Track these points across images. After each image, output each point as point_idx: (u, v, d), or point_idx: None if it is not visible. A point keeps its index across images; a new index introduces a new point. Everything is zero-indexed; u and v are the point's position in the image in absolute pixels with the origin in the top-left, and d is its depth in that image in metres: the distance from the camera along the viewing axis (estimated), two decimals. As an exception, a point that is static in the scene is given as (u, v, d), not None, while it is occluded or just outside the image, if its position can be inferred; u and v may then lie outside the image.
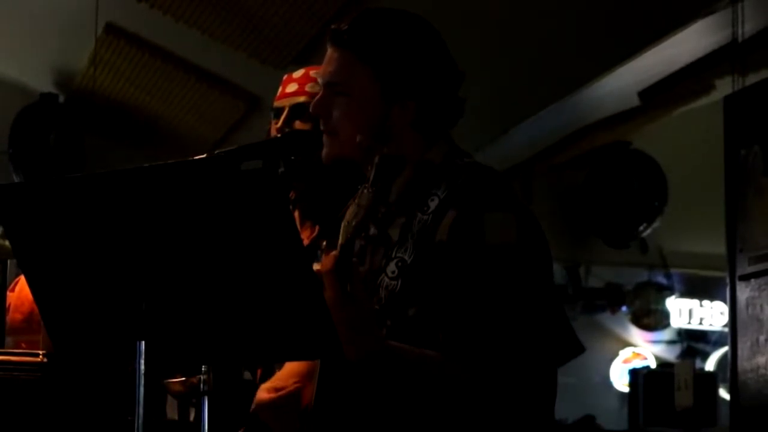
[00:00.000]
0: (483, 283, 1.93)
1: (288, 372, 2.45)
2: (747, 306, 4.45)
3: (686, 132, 7.50)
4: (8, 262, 3.25)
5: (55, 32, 6.53)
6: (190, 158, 1.91)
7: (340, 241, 1.89)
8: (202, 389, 2.09)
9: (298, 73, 2.84)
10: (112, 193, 1.82)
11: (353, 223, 1.89)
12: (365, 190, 1.91)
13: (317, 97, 2.12)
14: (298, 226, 2.53)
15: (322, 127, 2.12)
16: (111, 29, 6.33)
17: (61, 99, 7.33)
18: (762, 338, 4.36)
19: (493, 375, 1.92)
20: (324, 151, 2.12)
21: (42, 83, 7.24)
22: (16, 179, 7.11)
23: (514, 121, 6.75)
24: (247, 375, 2.99)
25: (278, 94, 2.84)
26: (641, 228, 8.45)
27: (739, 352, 4.46)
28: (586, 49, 5.65)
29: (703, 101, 6.40)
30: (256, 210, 1.77)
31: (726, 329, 5.48)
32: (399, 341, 1.94)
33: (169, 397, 3.34)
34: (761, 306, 4.38)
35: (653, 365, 9.38)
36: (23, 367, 2.99)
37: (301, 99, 2.76)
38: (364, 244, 2.08)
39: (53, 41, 6.66)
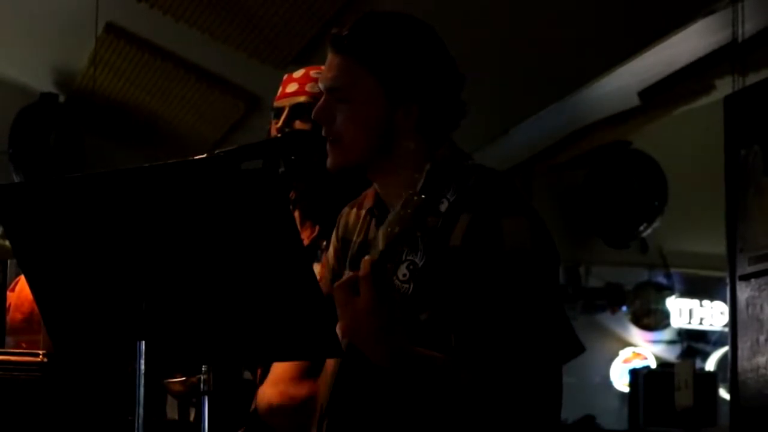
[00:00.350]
0: (500, 289, 1.94)
1: (290, 372, 2.42)
2: (747, 306, 4.45)
3: (686, 132, 7.50)
4: (8, 262, 3.25)
5: (55, 32, 6.53)
6: (190, 158, 1.90)
7: (380, 246, 1.87)
8: (202, 389, 2.08)
9: (299, 73, 2.84)
10: (112, 193, 1.82)
11: (395, 230, 1.87)
12: (413, 197, 1.88)
13: (319, 103, 2.11)
14: (298, 226, 2.53)
15: (324, 134, 2.11)
16: (111, 29, 6.33)
17: (61, 99, 7.33)
18: (762, 338, 4.36)
19: (509, 380, 1.93)
20: (329, 161, 2.11)
21: (42, 83, 7.24)
22: (16, 179, 7.11)
23: (514, 121, 6.75)
24: (247, 375, 2.99)
25: (278, 93, 2.84)
26: (641, 228, 8.45)
27: (739, 352, 4.46)
28: (586, 49, 5.65)
29: (703, 101, 6.40)
30: (256, 210, 1.77)
31: (726, 329, 5.48)
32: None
33: (169, 397, 3.34)
34: (761, 306, 4.38)
35: (653, 365, 9.38)
36: (23, 366, 2.99)
37: (302, 99, 2.75)
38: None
39: (53, 41, 6.66)
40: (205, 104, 6.90)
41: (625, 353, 9.61)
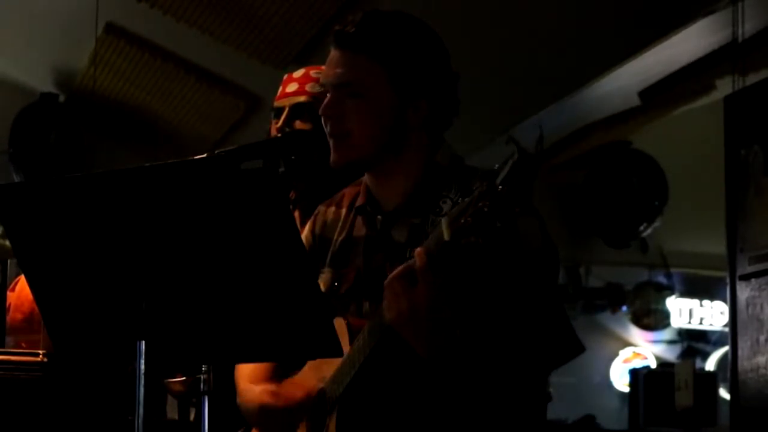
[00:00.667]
0: (510, 285, 1.96)
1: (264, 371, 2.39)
2: (747, 306, 4.45)
3: (686, 132, 7.50)
4: (8, 261, 3.25)
5: (56, 32, 6.52)
6: (190, 158, 1.91)
7: (444, 237, 1.84)
8: (202, 389, 2.09)
9: (299, 73, 2.84)
10: (113, 193, 1.82)
11: (467, 221, 1.79)
12: (498, 187, 1.78)
13: (327, 99, 2.10)
14: (299, 226, 2.54)
15: (329, 130, 2.10)
16: (111, 29, 6.33)
17: (62, 99, 7.33)
18: (762, 338, 4.36)
19: (503, 375, 1.93)
20: (334, 157, 2.11)
21: (42, 83, 7.23)
22: (16, 179, 7.10)
23: (514, 121, 6.75)
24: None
25: (278, 93, 2.84)
26: (641, 228, 8.45)
27: (740, 352, 4.46)
28: (586, 49, 5.65)
29: (704, 101, 6.40)
30: (256, 210, 1.77)
31: (726, 329, 5.48)
32: (397, 340, 1.94)
33: (170, 397, 3.35)
34: (761, 306, 4.38)
35: (653, 365, 9.38)
36: (24, 366, 3.00)
37: (302, 99, 2.75)
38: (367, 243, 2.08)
39: (53, 41, 6.65)
40: (206, 104, 6.89)
41: (625, 353, 9.62)
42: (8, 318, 3.25)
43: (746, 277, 4.46)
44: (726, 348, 6.58)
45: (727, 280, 4.58)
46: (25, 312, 3.24)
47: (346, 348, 2.01)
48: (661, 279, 9.46)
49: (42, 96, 7.28)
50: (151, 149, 7.27)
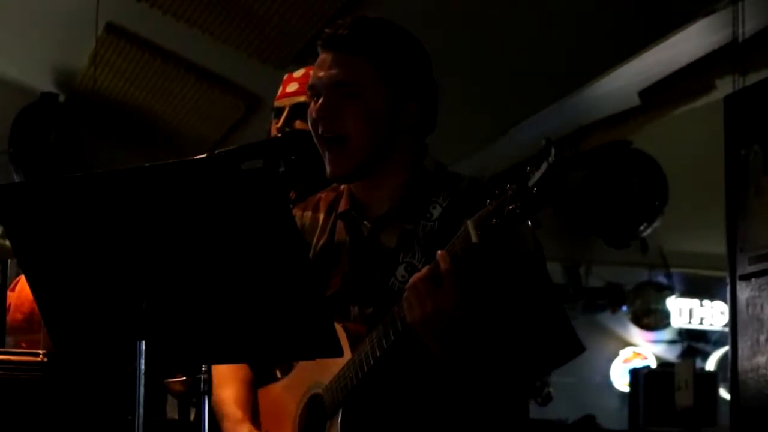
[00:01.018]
0: (505, 287, 1.97)
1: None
2: (747, 306, 4.44)
3: (686, 132, 7.49)
4: (8, 261, 3.25)
5: (56, 32, 6.52)
6: (191, 158, 1.91)
7: (473, 239, 1.83)
8: (202, 389, 2.08)
9: (299, 73, 2.84)
10: (113, 193, 1.82)
11: (494, 222, 1.79)
12: (532, 189, 1.77)
13: (321, 100, 2.10)
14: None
15: (323, 131, 2.10)
16: (111, 29, 6.33)
17: (62, 99, 7.33)
18: (762, 338, 4.36)
19: (502, 376, 1.94)
20: (333, 168, 2.10)
21: (42, 83, 7.23)
22: (16, 179, 7.10)
23: (514, 121, 6.75)
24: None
25: (279, 93, 2.84)
26: (641, 228, 8.44)
27: (740, 352, 4.46)
28: (586, 49, 5.65)
29: (704, 101, 6.39)
30: (256, 210, 1.77)
31: (726, 329, 5.48)
32: (409, 342, 1.95)
33: (170, 397, 3.34)
34: (761, 306, 4.38)
35: (653, 365, 9.39)
36: (24, 366, 3.00)
37: (302, 99, 2.75)
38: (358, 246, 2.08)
39: (53, 41, 6.65)
40: (206, 104, 6.89)
41: (625, 353, 9.62)
42: (8, 318, 3.24)
43: (746, 277, 4.45)
44: (726, 348, 6.58)
45: (727, 280, 4.58)
46: (25, 312, 3.24)
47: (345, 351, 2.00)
48: (662, 279, 9.47)
49: (42, 96, 7.28)
50: (151, 149, 7.27)
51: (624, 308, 9.50)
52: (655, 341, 9.74)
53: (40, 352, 3.02)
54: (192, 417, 3.31)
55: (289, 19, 5.72)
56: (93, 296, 1.90)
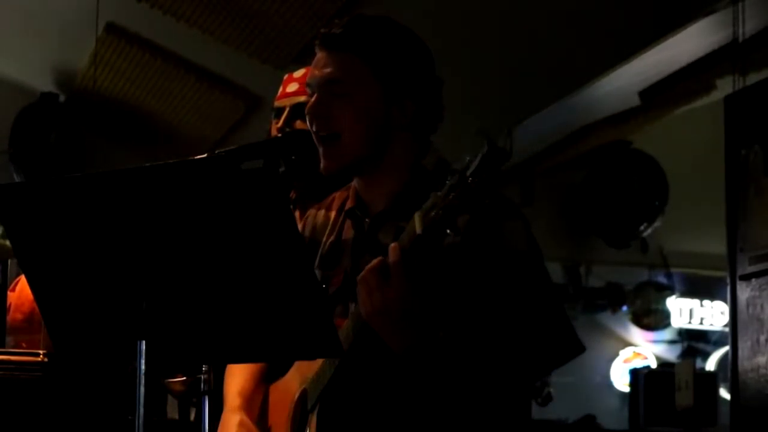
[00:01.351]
0: (498, 286, 1.96)
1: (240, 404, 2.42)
2: (747, 306, 4.44)
3: (687, 131, 7.49)
4: (9, 261, 3.26)
5: (56, 32, 6.52)
6: (191, 158, 1.91)
7: (417, 230, 1.84)
8: (202, 389, 2.09)
9: (299, 73, 2.84)
10: (113, 193, 1.82)
11: (438, 213, 1.81)
12: (468, 179, 1.79)
13: (315, 98, 2.12)
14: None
15: (316, 129, 2.11)
16: (111, 29, 6.33)
17: (62, 99, 7.33)
18: (762, 338, 4.36)
19: (499, 375, 1.93)
20: (325, 164, 2.11)
21: (42, 83, 7.23)
22: (16, 179, 7.11)
23: (514, 121, 6.75)
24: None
25: (279, 93, 2.84)
26: (642, 228, 8.45)
27: (740, 352, 4.46)
28: (586, 49, 5.65)
29: (704, 101, 6.39)
30: (256, 209, 1.77)
31: (726, 329, 5.48)
32: (372, 336, 1.94)
33: (170, 397, 3.35)
34: (762, 306, 4.38)
35: (654, 365, 9.38)
36: (24, 366, 3.00)
37: (302, 99, 2.75)
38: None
39: (54, 41, 6.65)
40: (206, 104, 6.89)
41: (625, 353, 9.61)
42: (8, 318, 3.25)
43: (746, 277, 4.45)
44: (726, 348, 6.58)
45: (728, 280, 4.58)
46: (25, 312, 3.24)
47: None
48: (662, 279, 9.46)
49: (42, 96, 7.28)
50: (151, 149, 7.27)
51: (624, 308, 9.48)
52: (655, 341, 9.73)
53: (40, 352, 3.02)
54: (192, 417, 3.31)
55: (289, 19, 5.72)
56: (93, 296, 1.90)
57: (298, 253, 1.79)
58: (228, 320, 1.86)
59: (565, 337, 2.01)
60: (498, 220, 1.99)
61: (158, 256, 1.83)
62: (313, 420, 2.10)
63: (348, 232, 2.19)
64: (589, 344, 3.78)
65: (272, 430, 2.30)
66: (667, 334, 9.72)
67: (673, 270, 9.37)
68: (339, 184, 2.36)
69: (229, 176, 1.79)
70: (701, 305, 9.63)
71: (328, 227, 2.24)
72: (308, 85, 2.15)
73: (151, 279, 1.85)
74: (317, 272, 2.19)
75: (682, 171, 8.19)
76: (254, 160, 2.15)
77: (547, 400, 7.99)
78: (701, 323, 9.64)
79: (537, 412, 7.77)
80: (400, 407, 2.00)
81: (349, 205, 2.20)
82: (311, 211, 2.31)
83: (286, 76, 2.87)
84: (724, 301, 6.38)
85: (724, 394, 7.58)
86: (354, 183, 2.21)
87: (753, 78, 4.94)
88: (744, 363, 4.43)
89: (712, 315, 9.64)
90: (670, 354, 9.67)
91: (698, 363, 8.97)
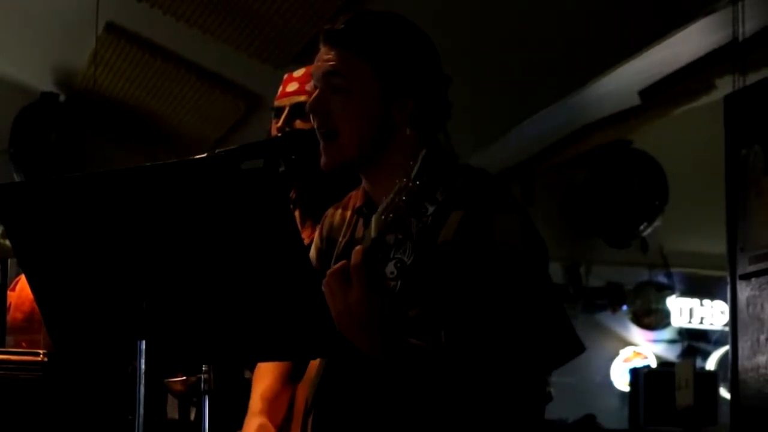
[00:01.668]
0: (491, 284, 1.94)
1: (266, 397, 2.43)
2: (747, 305, 4.45)
3: (687, 131, 7.50)
4: (9, 261, 3.26)
5: (56, 32, 6.53)
6: (191, 157, 1.91)
7: (372, 234, 1.86)
8: (202, 389, 2.09)
9: (299, 73, 2.84)
10: (113, 193, 1.82)
11: (386, 217, 1.84)
12: (408, 184, 1.84)
13: (315, 94, 2.12)
14: (299, 226, 2.54)
15: (317, 126, 2.11)
16: (111, 29, 6.33)
17: (62, 98, 7.33)
18: (762, 337, 4.36)
19: (498, 374, 1.92)
20: (324, 160, 2.11)
21: (43, 82, 7.24)
22: (16, 178, 7.11)
23: (514, 121, 6.75)
24: (248, 374, 2.99)
25: (279, 93, 2.84)
26: (642, 227, 8.45)
27: (740, 351, 4.46)
28: (586, 49, 5.65)
29: (704, 100, 6.40)
30: (256, 209, 1.77)
31: (726, 328, 5.48)
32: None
33: (170, 397, 3.35)
34: (762, 305, 4.38)
35: (654, 364, 9.38)
36: (24, 366, 3.00)
37: (302, 98, 2.75)
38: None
39: (54, 40, 6.66)
40: (206, 104, 6.90)
41: (625, 352, 9.61)
42: (8, 317, 3.25)
43: (746, 277, 4.45)
44: (726, 347, 6.59)
45: (728, 280, 4.58)
46: (25, 311, 3.24)
47: None
48: (662, 278, 9.46)
49: (42, 95, 7.28)
50: (151, 149, 7.27)
51: (624, 308, 9.49)
52: (656, 341, 9.74)
53: (40, 352, 3.02)
54: (192, 417, 3.31)
55: (289, 19, 5.72)
56: (93, 296, 1.90)
57: (297, 253, 1.79)
58: (228, 320, 1.86)
59: (564, 336, 2.00)
60: (488, 215, 1.97)
61: (158, 255, 1.83)
62: (309, 422, 2.10)
63: (360, 231, 2.18)
64: (589, 344, 3.79)
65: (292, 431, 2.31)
66: (667, 334, 9.72)
67: (673, 270, 9.37)
68: (340, 183, 2.36)
69: (229, 176, 1.79)
70: (701, 305, 9.64)
71: (344, 227, 2.24)
72: (312, 79, 2.15)
73: (151, 279, 1.85)
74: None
75: (682, 171, 8.20)
76: (254, 160, 2.15)
77: (547, 399, 7.99)
78: (701, 323, 9.65)
79: (537, 411, 7.76)
80: (388, 411, 1.99)
81: (358, 203, 2.20)
82: (330, 211, 2.31)
83: (286, 76, 2.87)
84: (724, 300, 6.39)
85: (724, 393, 7.59)
86: (363, 182, 2.21)
87: (753, 77, 4.95)
88: (744, 362, 4.43)
89: (712, 314, 9.64)
90: (670, 353, 9.67)
91: (698, 362, 8.98)
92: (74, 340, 1.96)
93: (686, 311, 9.61)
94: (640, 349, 9.64)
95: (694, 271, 9.43)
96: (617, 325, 9.64)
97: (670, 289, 9.48)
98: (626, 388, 9.14)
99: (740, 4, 5.09)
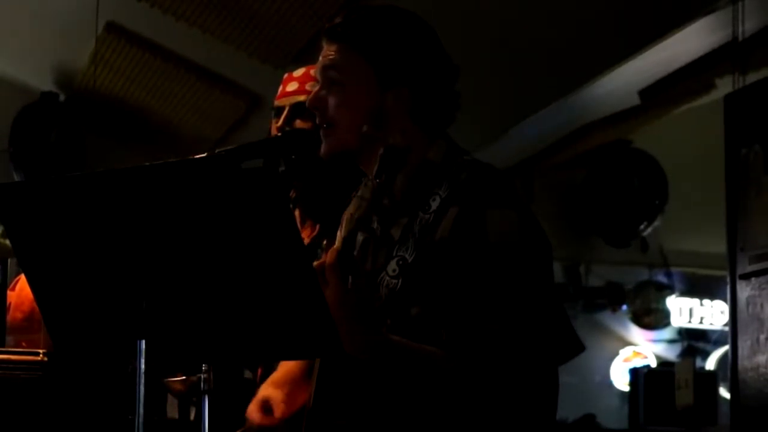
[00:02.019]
0: (484, 280, 1.92)
1: (278, 380, 2.45)
2: (747, 305, 4.45)
3: (687, 131, 7.50)
4: (8, 261, 3.26)
5: (56, 31, 6.53)
6: (191, 157, 1.91)
7: (342, 233, 1.88)
8: (202, 388, 2.09)
9: (299, 72, 2.84)
10: (113, 192, 1.82)
11: (356, 216, 1.87)
12: (368, 182, 1.87)
13: (314, 91, 2.13)
14: (299, 226, 2.54)
15: (318, 121, 2.13)
16: (111, 28, 6.34)
17: (62, 98, 7.34)
18: (762, 337, 4.36)
19: (495, 372, 1.91)
20: (323, 148, 2.13)
21: (43, 82, 7.24)
22: (16, 178, 7.11)
23: (514, 121, 6.75)
24: (248, 374, 2.99)
25: (279, 92, 2.84)
26: (642, 227, 8.45)
27: (740, 351, 4.46)
28: (586, 48, 5.65)
29: (704, 100, 6.40)
30: (256, 209, 1.77)
31: (726, 328, 5.48)
32: None
33: (170, 396, 3.35)
34: (761, 305, 4.38)
35: (654, 364, 9.38)
36: (24, 365, 3.00)
37: (302, 98, 2.75)
38: (367, 238, 2.07)
39: (54, 40, 6.66)
40: (206, 103, 6.90)
41: (625, 352, 9.61)
42: (8, 317, 3.25)
43: (746, 276, 4.45)
44: (726, 347, 6.57)
45: (728, 279, 4.58)
46: (25, 311, 3.24)
47: None
48: (662, 278, 9.46)
49: (42, 95, 7.29)
50: (152, 148, 7.27)
51: (624, 307, 9.49)
52: (655, 340, 9.73)
53: (40, 351, 3.02)
54: (192, 417, 3.31)
55: (289, 18, 5.72)
56: (93, 295, 1.90)
57: (297, 253, 1.79)
58: (228, 320, 1.86)
59: (564, 336, 1.99)
60: (481, 209, 1.95)
61: (158, 255, 1.83)
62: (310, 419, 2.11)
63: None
64: (589, 343, 3.79)
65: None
66: (667, 334, 9.72)
67: (673, 269, 9.38)
68: (340, 183, 2.35)
69: (229, 175, 1.79)
70: (701, 304, 9.63)
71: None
72: (315, 74, 2.17)
73: (151, 278, 1.85)
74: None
75: (682, 171, 8.20)
76: (254, 160, 2.15)
77: (553, 399, 7.98)
78: (701, 322, 9.64)
79: (537, 411, 7.75)
80: (385, 409, 1.99)
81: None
82: (351, 205, 2.31)
83: (285, 76, 2.87)
84: (724, 300, 6.39)
85: (724, 393, 7.58)
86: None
87: (753, 77, 4.95)
88: (744, 362, 4.43)
89: (712, 314, 9.64)
90: (670, 353, 9.67)
91: (698, 362, 8.97)
92: (74, 340, 1.96)
93: (686, 311, 9.61)
94: (639, 349, 9.64)
95: (694, 271, 9.43)
96: (617, 325, 9.64)
97: (669, 289, 9.48)
98: (626, 388, 9.14)
99: (740, 3, 5.09)
